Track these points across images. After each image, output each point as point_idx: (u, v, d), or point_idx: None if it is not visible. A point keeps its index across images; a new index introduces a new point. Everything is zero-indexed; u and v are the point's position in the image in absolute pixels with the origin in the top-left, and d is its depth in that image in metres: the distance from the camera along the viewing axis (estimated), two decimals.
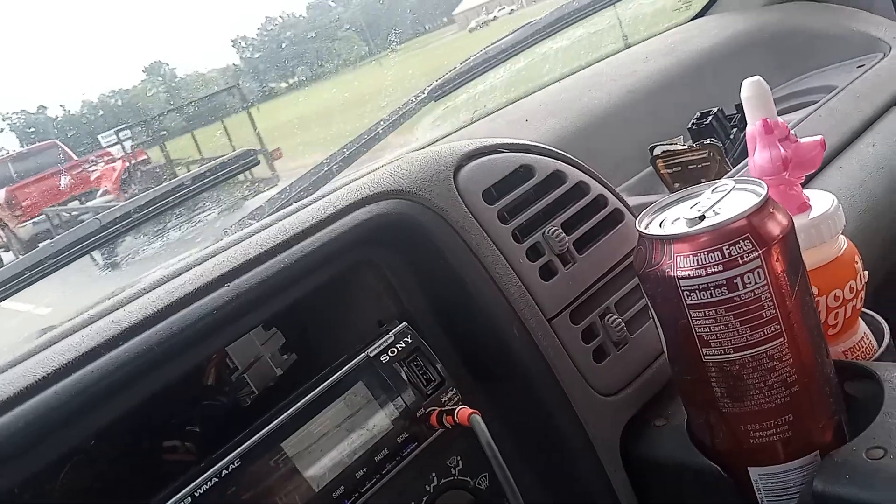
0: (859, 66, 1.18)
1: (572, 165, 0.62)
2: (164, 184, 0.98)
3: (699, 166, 1.01)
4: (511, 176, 0.59)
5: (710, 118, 1.09)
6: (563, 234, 0.57)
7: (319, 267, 0.50)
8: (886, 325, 0.60)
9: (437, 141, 1.25)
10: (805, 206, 0.54)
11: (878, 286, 1.20)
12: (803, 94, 1.20)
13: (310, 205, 0.55)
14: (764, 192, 0.47)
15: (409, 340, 0.50)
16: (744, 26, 1.31)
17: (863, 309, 0.58)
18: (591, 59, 1.36)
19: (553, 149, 0.62)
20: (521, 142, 0.62)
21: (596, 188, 0.61)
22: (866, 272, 0.56)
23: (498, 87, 1.32)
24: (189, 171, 1.00)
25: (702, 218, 0.48)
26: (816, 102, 1.11)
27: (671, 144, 1.05)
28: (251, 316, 0.49)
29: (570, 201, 0.60)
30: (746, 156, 1.02)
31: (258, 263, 0.48)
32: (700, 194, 0.51)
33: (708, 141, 1.01)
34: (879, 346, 0.58)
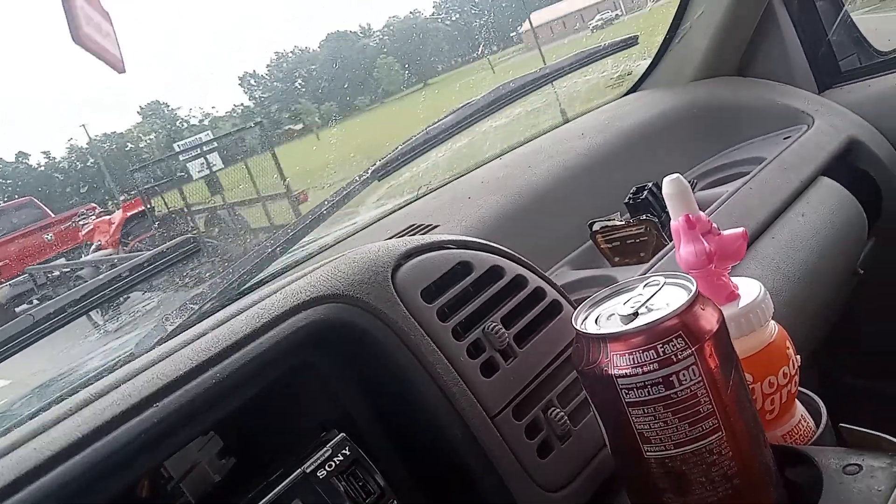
0: (785, 138, 1.24)
1: (510, 259, 0.63)
2: (100, 276, 0.96)
3: (637, 241, 1.04)
4: (449, 273, 0.59)
5: (645, 192, 1.12)
6: (503, 330, 0.57)
7: (253, 378, 0.49)
8: (823, 404, 0.61)
9: (381, 218, 1.25)
10: (734, 296, 0.55)
11: (815, 351, 1.23)
12: (733, 166, 1.25)
13: (245, 310, 0.54)
14: (693, 289, 0.48)
15: (348, 452, 0.49)
16: (673, 102, 1.37)
17: (799, 389, 0.59)
18: (530, 135, 1.40)
19: (491, 244, 0.63)
20: (459, 238, 0.62)
21: (534, 281, 0.62)
22: (798, 356, 0.57)
23: (440, 165, 1.34)
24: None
25: (635, 314, 0.49)
26: (747, 174, 1.16)
27: (609, 220, 1.08)
28: (183, 433, 0.47)
29: (508, 295, 0.60)
30: None
31: (188, 380, 0.46)
32: (633, 289, 0.52)
33: (644, 216, 1.04)
34: (817, 426, 0.59)
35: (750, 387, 0.54)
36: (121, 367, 0.90)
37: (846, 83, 1.39)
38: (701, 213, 0.55)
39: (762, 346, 0.55)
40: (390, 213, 1.25)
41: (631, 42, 1.43)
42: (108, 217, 12.58)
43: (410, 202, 1.25)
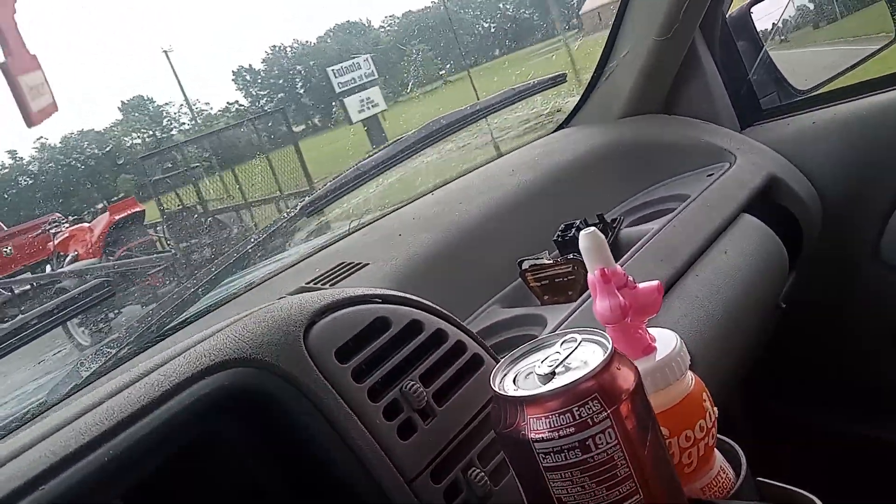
0: (709, 175, 1.27)
1: (430, 312, 0.61)
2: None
3: (565, 280, 1.04)
4: (367, 329, 0.57)
5: (573, 230, 1.13)
6: (422, 388, 0.56)
7: (153, 451, 0.46)
8: (742, 452, 0.62)
9: (311, 255, 1.22)
10: (650, 349, 0.55)
11: (743, 381, 1.26)
12: (659, 203, 1.27)
13: (145, 375, 0.51)
14: (609, 348, 0.47)
15: None
16: (601, 139, 1.39)
17: (718, 437, 0.59)
18: (462, 170, 1.40)
19: (410, 297, 0.61)
20: (378, 291, 0.60)
21: (454, 334, 0.61)
22: (716, 408, 0.57)
23: (371, 200, 1.32)
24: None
25: (553, 374, 0.48)
26: (672, 210, 1.18)
27: (537, 259, 1.08)
28: None
29: (428, 351, 0.59)
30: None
31: (77, 459, 0.43)
32: (552, 345, 0.51)
33: (572, 255, 1.04)
34: (737, 476, 0.59)
35: (667, 441, 0.53)
36: (31, 418, 0.85)
37: (767, 121, 1.44)
38: (617, 266, 0.55)
39: (678, 399, 0.55)
40: (320, 250, 1.22)
41: (559, 80, 1.45)
42: (87, 224, 11.16)
43: (341, 238, 1.23)
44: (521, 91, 1.41)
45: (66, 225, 10.79)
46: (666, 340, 0.57)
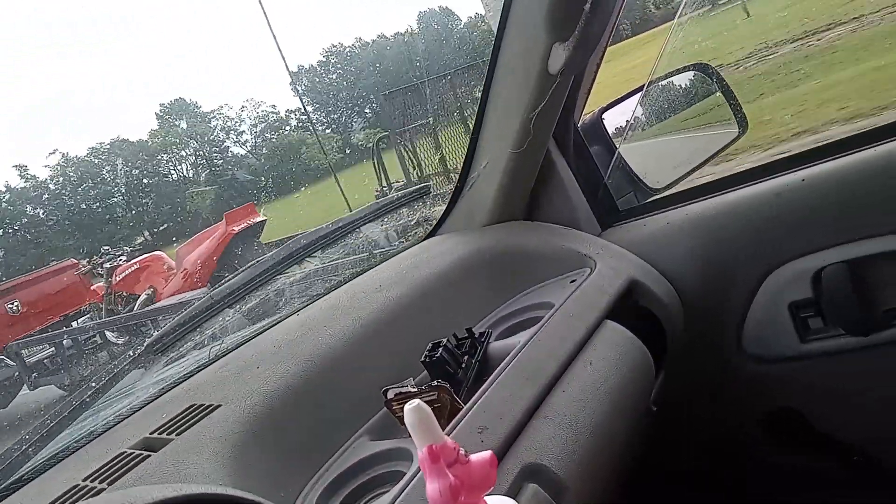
0: (572, 282, 1.29)
1: None
2: None
3: (432, 408, 1.00)
4: None
5: (440, 350, 1.10)
6: None
7: None
8: None
9: (161, 394, 1.13)
10: None
11: (622, 486, 1.24)
12: (525, 311, 1.27)
13: None
14: None
15: None
16: (467, 248, 1.39)
17: None
18: (329, 285, 1.36)
19: (239, 495, 0.55)
20: (191, 492, 0.54)
21: None
22: None
23: (229, 328, 1.25)
24: None
25: None
26: (539, 318, 1.17)
27: (402, 387, 1.04)
28: None
29: None
30: (482, 384, 1.04)
31: None
32: None
33: (436, 382, 1.01)
34: None
35: None
36: None
37: (625, 222, 1.49)
38: (447, 438, 0.52)
39: None
40: (171, 388, 1.13)
41: (424, 191, 1.45)
42: (158, 253, 9.34)
43: (194, 373, 1.15)
44: (385, 205, 1.40)
45: (123, 259, 9.06)
46: None
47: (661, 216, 1.45)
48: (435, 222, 1.50)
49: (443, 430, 0.95)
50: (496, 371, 1.05)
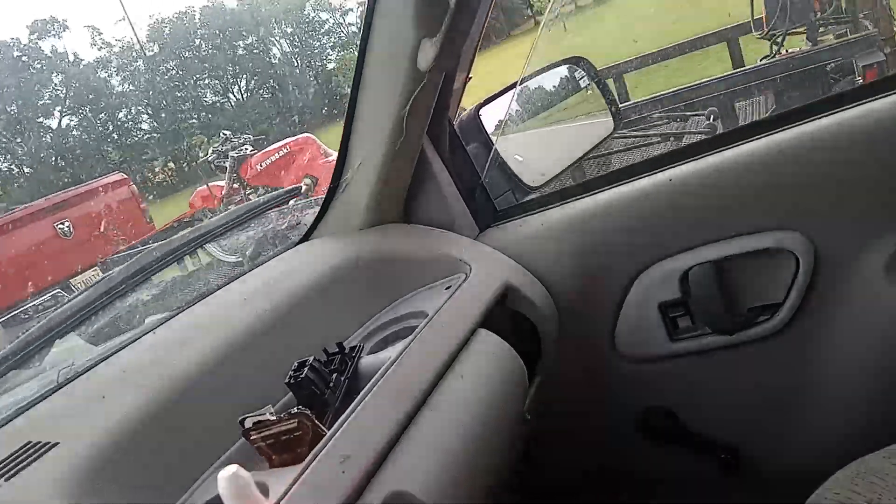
0: (447, 289, 1.25)
1: None
2: None
3: (292, 436, 0.94)
4: None
5: (306, 369, 1.05)
6: None
7: None
8: None
9: None
10: None
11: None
12: (400, 321, 1.23)
13: None
14: None
15: None
16: (341, 254, 1.33)
17: None
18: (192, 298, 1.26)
19: None
20: None
21: None
22: None
23: (76, 350, 1.14)
24: None
25: None
26: (413, 328, 1.13)
27: (260, 415, 0.97)
28: None
29: None
30: (349, 403, 0.99)
31: None
32: None
33: (295, 409, 0.95)
34: None
35: None
36: None
37: (502, 223, 1.47)
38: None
39: None
40: (5, 424, 1.02)
41: (294, 192, 1.37)
42: (307, 136, 7.05)
43: (31, 405, 1.03)
44: (252, 209, 1.31)
45: (249, 148, 7.07)
46: None
47: (537, 216, 1.44)
48: (308, 227, 1.43)
49: (303, 459, 0.90)
50: (363, 391, 1.00)
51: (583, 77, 1.72)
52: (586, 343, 1.41)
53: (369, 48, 1.23)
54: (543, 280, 1.36)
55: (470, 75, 1.40)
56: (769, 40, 4.63)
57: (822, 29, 4.73)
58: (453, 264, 1.30)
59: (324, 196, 1.42)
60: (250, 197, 6.96)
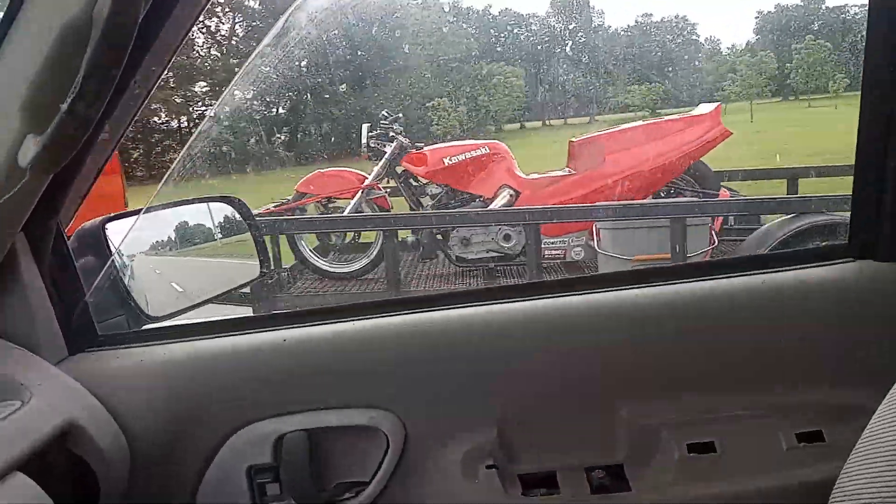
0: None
1: None
2: None
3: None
4: None
5: None
6: None
7: None
8: None
9: None
10: None
11: None
12: None
13: None
14: None
15: None
16: None
17: None
18: None
19: None
20: None
21: None
22: None
23: None
24: None
25: None
26: None
27: None
28: None
29: None
30: None
31: None
32: None
33: None
34: None
35: None
36: None
37: (99, 349, 1.31)
38: None
39: None
40: None
41: None
42: (497, 143, 6.43)
43: None
44: None
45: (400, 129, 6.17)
46: None
47: (140, 350, 1.31)
48: None
49: None
50: None
51: (237, 217, 1.69)
52: (162, 502, 1.26)
53: None
54: (123, 423, 1.20)
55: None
56: None
57: None
58: (11, 389, 1.10)
59: None
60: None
